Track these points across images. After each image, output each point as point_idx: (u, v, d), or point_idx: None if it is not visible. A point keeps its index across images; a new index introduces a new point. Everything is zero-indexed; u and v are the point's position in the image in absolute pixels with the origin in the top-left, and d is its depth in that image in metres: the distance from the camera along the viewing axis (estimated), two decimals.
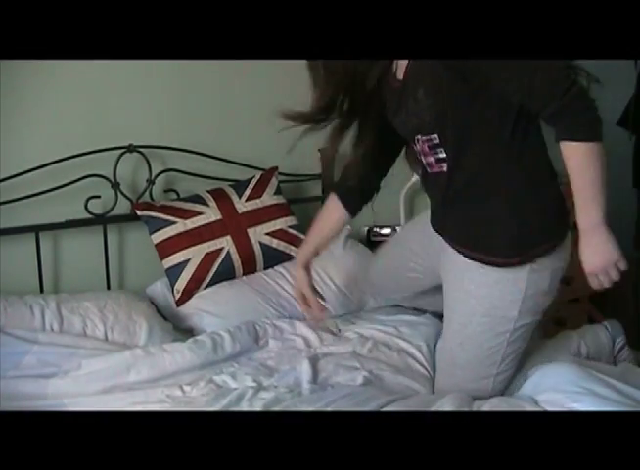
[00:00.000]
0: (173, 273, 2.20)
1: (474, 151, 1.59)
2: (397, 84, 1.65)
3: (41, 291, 2.14)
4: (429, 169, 1.70)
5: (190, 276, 2.19)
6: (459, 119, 1.57)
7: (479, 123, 1.57)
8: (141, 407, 1.59)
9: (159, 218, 2.23)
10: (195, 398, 1.65)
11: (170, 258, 2.20)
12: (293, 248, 2.36)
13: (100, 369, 1.72)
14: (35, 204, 2.13)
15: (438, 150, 1.63)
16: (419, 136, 1.65)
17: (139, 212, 2.25)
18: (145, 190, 2.33)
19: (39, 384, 1.67)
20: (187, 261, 2.20)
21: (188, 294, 2.20)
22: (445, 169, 1.64)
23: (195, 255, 2.20)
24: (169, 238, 2.20)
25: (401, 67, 1.66)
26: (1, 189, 2.07)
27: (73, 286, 2.20)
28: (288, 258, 2.37)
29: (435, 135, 1.61)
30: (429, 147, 1.64)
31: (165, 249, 2.21)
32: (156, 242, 2.23)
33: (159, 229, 2.22)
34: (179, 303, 2.19)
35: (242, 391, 1.63)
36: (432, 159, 1.66)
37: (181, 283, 2.18)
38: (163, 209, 2.24)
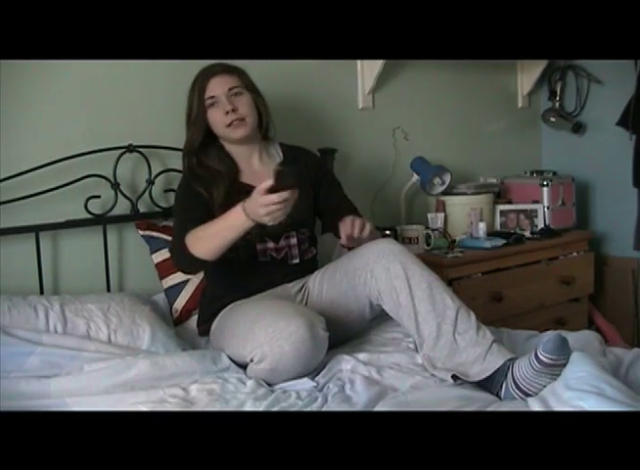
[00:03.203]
0: (172, 293, 2.20)
1: None
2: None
3: (41, 291, 2.14)
4: (305, 257, 2.09)
5: (189, 296, 2.20)
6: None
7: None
8: (143, 407, 1.59)
9: (160, 239, 2.24)
10: (196, 397, 1.64)
11: (170, 278, 2.21)
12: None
13: (101, 368, 1.73)
14: (35, 204, 2.13)
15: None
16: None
17: (141, 232, 2.27)
18: (145, 190, 2.33)
19: (42, 383, 1.67)
20: (186, 282, 2.21)
21: (186, 314, 2.20)
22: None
23: (194, 276, 2.20)
24: (170, 258, 2.19)
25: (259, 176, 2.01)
26: (1, 189, 2.07)
27: (73, 286, 2.20)
28: None
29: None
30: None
31: (165, 269, 2.21)
32: (156, 262, 2.24)
33: (160, 249, 2.23)
34: (177, 322, 2.18)
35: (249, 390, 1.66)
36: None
37: (180, 303, 2.19)
38: (165, 230, 2.25)
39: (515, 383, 1.61)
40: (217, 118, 2.04)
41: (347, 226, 1.86)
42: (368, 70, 2.84)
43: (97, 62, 2.08)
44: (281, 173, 1.69)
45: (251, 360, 1.73)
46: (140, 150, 2.30)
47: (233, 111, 2.02)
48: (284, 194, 1.68)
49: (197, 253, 1.87)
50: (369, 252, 1.86)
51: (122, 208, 2.29)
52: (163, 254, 2.22)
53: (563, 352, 1.57)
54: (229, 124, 2.03)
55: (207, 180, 2.03)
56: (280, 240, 2.06)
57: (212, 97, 2.03)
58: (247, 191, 2.03)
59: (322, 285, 1.99)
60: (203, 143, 2.08)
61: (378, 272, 1.81)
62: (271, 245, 2.05)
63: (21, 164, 2.10)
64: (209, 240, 1.86)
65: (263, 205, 1.71)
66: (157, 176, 2.34)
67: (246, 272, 2.03)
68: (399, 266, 1.79)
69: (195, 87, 2.06)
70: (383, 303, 1.84)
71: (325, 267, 2.04)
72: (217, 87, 2.03)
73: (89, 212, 2.21)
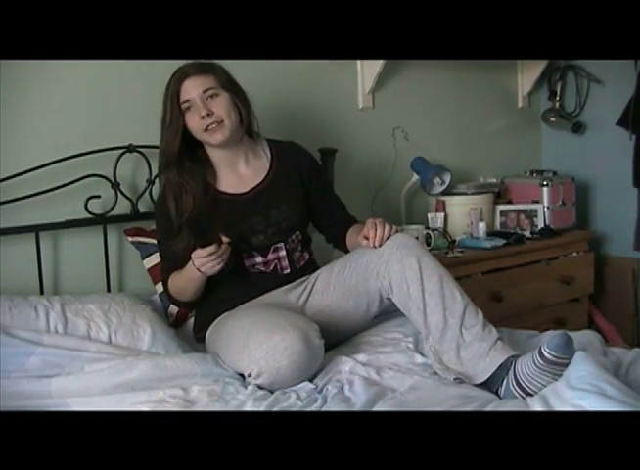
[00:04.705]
0: (166, 297, 2.17)
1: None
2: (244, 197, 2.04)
3: (41, 291, 2.14)
4: (297, 265, 2.06)
5: None
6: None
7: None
8: (143, 407, 1.59)
9: (149, 244, 2.23)
10: (197, 397, 1.64)
11: None
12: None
13: (102, 368, 1.73)
14: (35, 204, 2.13)
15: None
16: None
17: (130, 239, 2.26)
18: (145, 190, 2.33)
19: (43, 383, 1.67)
20: None
21: (183, 317, 2.18)
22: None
23: None
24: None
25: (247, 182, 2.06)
26: (1, 189, 2.07)
27: (73, 286, 2.20)
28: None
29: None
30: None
31: (158, 274, 2.18)
32: (148, 267, 2.24)
33: (150, 254, 2.23)
34: (174, 326, 2.16)
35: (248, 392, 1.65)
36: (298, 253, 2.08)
37: (174, 308, 2.17)
38: (154, 234, 2.22)
39: (516, 379, 1.61)
40: (194, 123, 1.95)
41: (372, 237, 1.86)
42: (368, 70, 2.84)
43: (97, 62, 2.08)
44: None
45: (249, 375, 1.72)
46: (140, 150, 2.30)
47: (209, 115, 1.93)
48: (210, 248, 1.83)
49: (182, 300, 2.03)
50: (384, 245, 1.86)
51: (123, 208, 2.29)
52: (154, 259, 2.21)
53: (567, 350, 1.57)
54: (206, 129, 1.95)
55: (182, 195, 1.98)
56: (268, 253, 2.03)
57: (187, 100, 1.94)
58: (228, 200, 2.02)
59: (328, 283, 1.97)
60: (181, 152, 1.99)
61: (392, 264, 1.82)
62: (259, 259, 2.02)
63: (20, 164, 2.10)
64: (184, 292, 2.00)
65: (195, 259, 1.87)
66: (157, 176, 2.33)
67: (236, 285, 2.01)
68: (414, 259, 1.80)
69: (168, 91, 1.96)
70: (393, 294, 1.84)
71: (331, 265, 2.03)
72: (191, 90, 1.94)
73: (89, 212, 2.21)
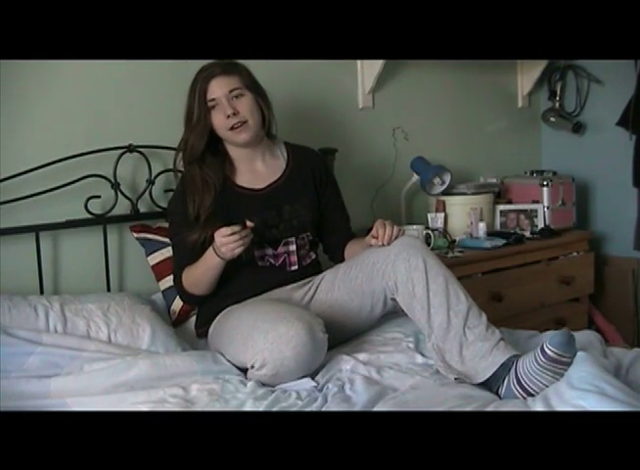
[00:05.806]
0: (169, 295, 2.19)
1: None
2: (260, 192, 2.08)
3: (41, 291, 2.14)
4: (304, 262, 2.08)
5: None
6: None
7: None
8: (143, 407, 1.59)
9: (155, 240, 2.24)
10: (197, 397, 1.64)
11: (167, 279, 2.19)
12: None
13: (102, 367, 1.73)
14: (35, 204, 2.13)
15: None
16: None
17: (135, 235, 2.27)
18: (145, 190, 2.33)
19: (42, 383, 1.67)
20: None
21: (185, 315, 2.19)
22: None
23: None
24: (166, 259, 2.21)
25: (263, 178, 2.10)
26: (1, 189, 2.07)
27: (73, 286, 2.20)
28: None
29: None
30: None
31: (162, 271, 2.21)
32: (152, 264, 2.24)
33: (155, 251, 2.24)
34: (175, 323, 2.17)
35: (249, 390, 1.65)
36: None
37: (177, 304, 2.17)
38: (160, 231, 2.25)
39: (517, 378, 1.61)
40: (219, 122, 2.01)
41: (381, 236, 1.89)
42: (368, 70, 2.85)
43: (97, 62, 2.09)
44: None
45: (252, 367, 1.73)
46: (140, 150, 2.30)
47: (234, 114, 1.99)
48: (234, 227, 1.85)
49: (195, 293, 2.02)
50: (390, 246, 1.88)
51: (122, 208, 2.29)
52: (159, 256, 2.22)
53: (569, 348, 1.58)
54: (231, 128, 2.00)
55: (203, 188, 2.02)
56: (279, 246, 2.06)
57: (213, 99, 1.99)
58: (244, 195, 2.05)
59: (334, 283, 1.99)
60: (204, 149, 2.04)
61: (398, 264, 1.84)
62: (269, 251, 2.05)
63: (20, 165, 2.10)
64: (199, 283, 2.00)
65: (218, 237, 1.86)
66: (157, 176, 2.34)
67: (243, 277, 2.03)
68: (420, 260, 1.82)
69: (195, 89, 2.00)
70: (397, 293, 1.86)
71: (337, 266, 2.05)
72: (217, 89, 1.99)
73: (89, 212, 2.21)
